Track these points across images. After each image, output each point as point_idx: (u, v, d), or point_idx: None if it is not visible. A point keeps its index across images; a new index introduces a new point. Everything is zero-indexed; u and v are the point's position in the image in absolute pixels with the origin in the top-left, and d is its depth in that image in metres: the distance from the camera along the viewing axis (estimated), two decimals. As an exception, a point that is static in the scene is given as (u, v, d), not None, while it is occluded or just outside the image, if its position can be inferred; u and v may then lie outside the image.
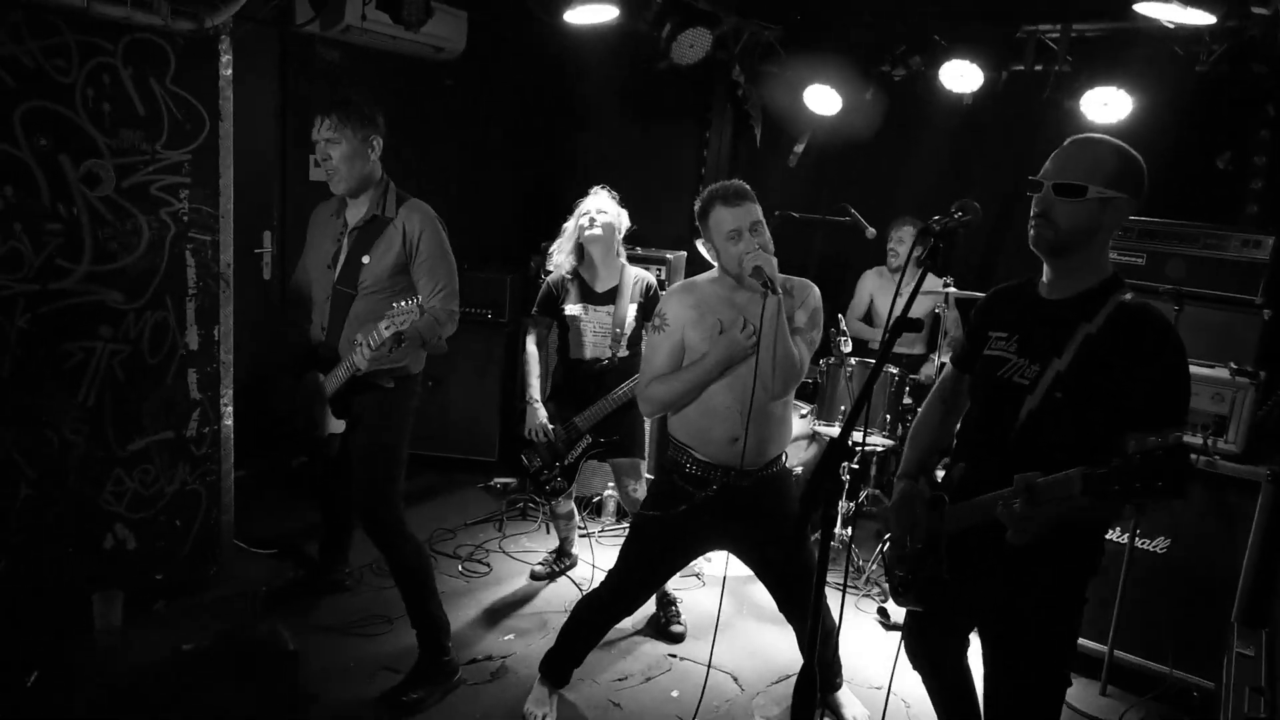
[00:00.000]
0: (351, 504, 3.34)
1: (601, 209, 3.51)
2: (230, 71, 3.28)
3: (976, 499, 2.00)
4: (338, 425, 3.03)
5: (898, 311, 1.89)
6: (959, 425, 2.30)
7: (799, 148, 5.13)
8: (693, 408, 2.67)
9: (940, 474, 2.28)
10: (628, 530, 2.94)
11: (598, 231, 3.48)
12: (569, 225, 3.56)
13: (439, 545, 4.19)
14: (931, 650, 2.37)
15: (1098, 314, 1.93)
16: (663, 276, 4.53)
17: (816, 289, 2.72)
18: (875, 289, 5.04)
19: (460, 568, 4.00)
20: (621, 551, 2.86)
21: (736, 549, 2.83)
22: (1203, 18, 3.40)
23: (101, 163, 3.00)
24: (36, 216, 2.87)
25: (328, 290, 2.98)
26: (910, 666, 2.40)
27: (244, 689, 2.69)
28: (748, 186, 2.61)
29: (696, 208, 2.64)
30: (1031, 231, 1.97)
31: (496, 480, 4.92)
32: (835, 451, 1.71)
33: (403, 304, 2.71)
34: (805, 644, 2.43)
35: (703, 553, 3.03)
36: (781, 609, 2.84)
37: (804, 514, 1.80)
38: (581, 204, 3.53)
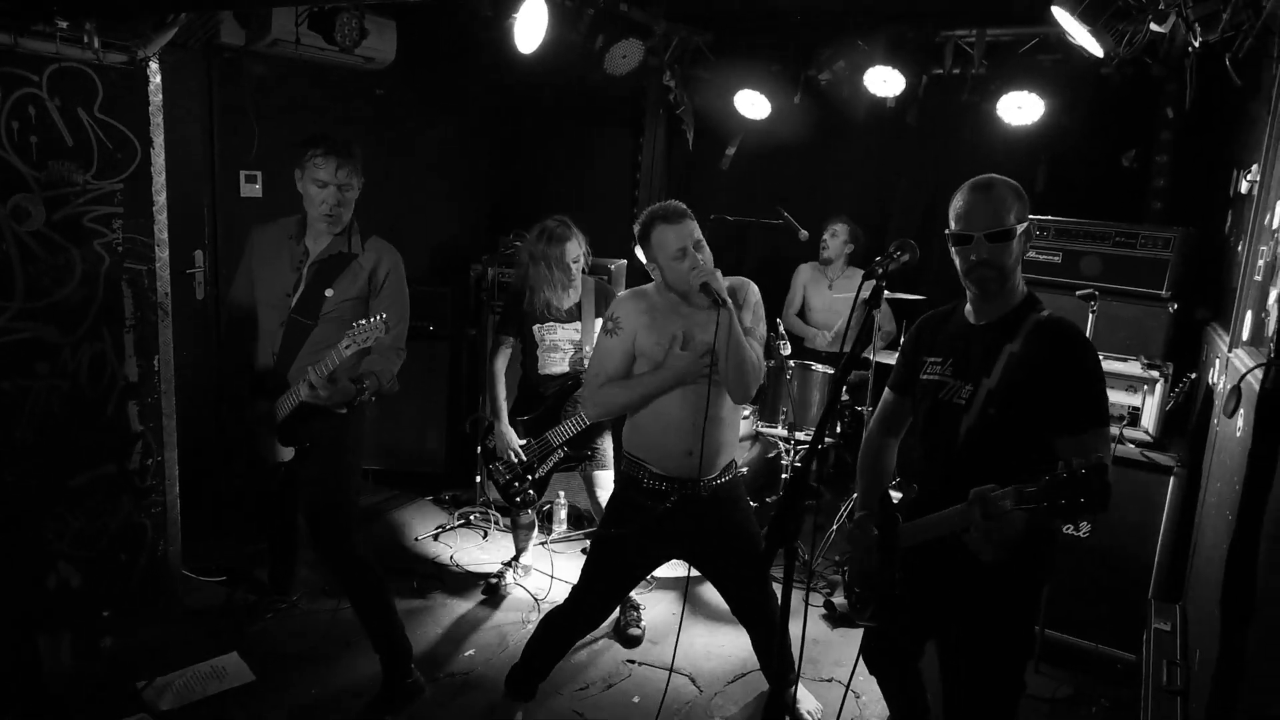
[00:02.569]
0: (293, 529, 3.44)
1: (577, 257, 3.56)
2: (160, 98, 3.23)
3: (931, 516, 2.08)
4: (286, 453, 3.01)
5: (848, 344, 2.07)
6: (903, 445, 2.43)
7: (731, 151, 5.24)
8: (647, 421, 2.70)
9: (895, 494, 2.41)
10: (589, 546, 2.98)
11: (577, 276, 3.58)
12: (534, 258, 3.52)
13: (390, 562, 4.17)
14: (890, 660, 2.49)
15: (1018, 333, 2.09)
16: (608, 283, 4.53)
17: (754, 285, 2.78)
18: (808, 282, 5.13)
19: (415, 584, 4.01)
20: (584, 567, 2.90)
21: (694, 558, 2.91)
22: (1097, 46, 3.59)
23: (30, 196, 2.94)
24: (-36, 257, 2.80)
25: (282, 318, 2.95)
26: (868, 671, 2.54)
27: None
28: (684, 206, 2.67)
29: (637, 229, 2.70)
30: (974, 277, 2.11)
31: (445, 493, 4.93)
32: (797, 490, 1.78)
33: (364, 322, 2.71)
34: (770, 672, 2.64)
35: (663, 562, 3.08)
36: (735, 613, 2.94)
37: (769, 550, 1.80)
38: (557, 239, 3.49)
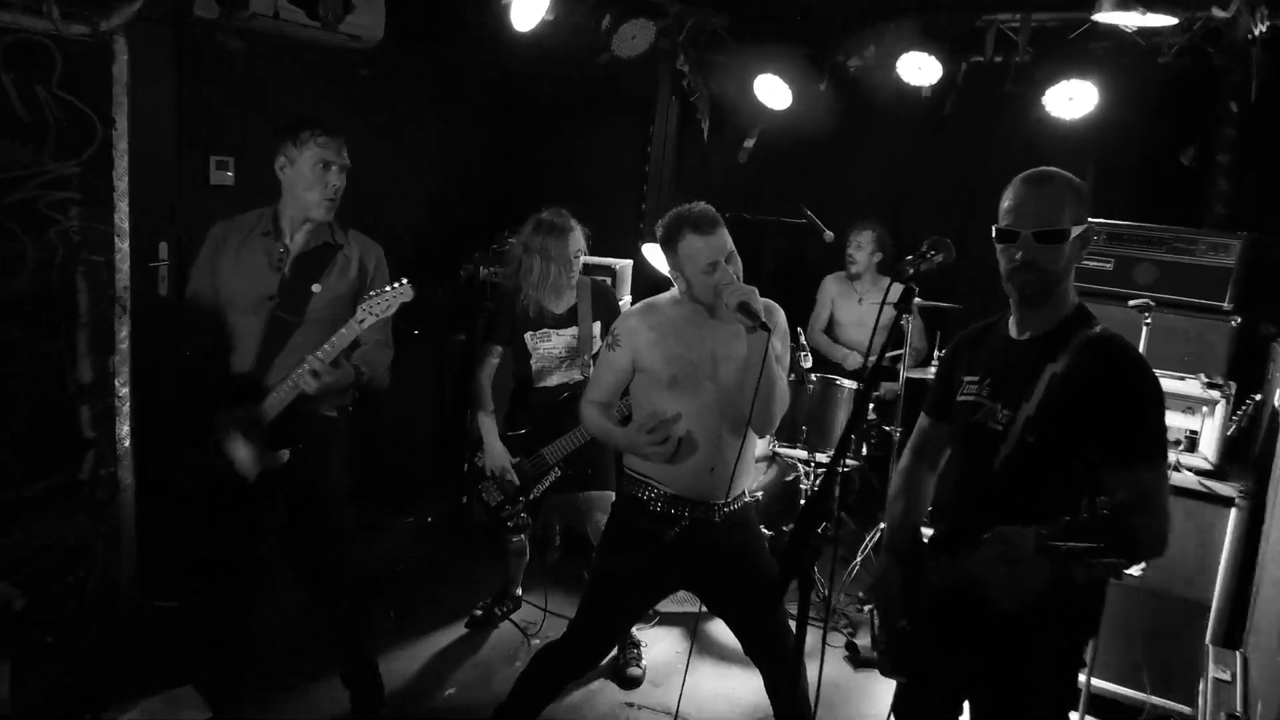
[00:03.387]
0: (257, 553, 3.34)
1: (579, 251, 3.52)
2: (125, 75, 3.18)
3: (966, 558, 2.03)
4: (273, 459, 2.96)
5: (873, 349, 2.05)
6: (942, 474, 2.38)
7: (749, 143, 5.20)
8: (682, 429, 2.67)
9: (926, 530, 2.36)
10: (588, 577, 2.98)
11: (579, 269, 3.53)
12: (530, 251, 3.48)
13: (366, 589, 3.98)
14: (918, 716, 2.41)
15: (1063, 352, 2.02)
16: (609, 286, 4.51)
17: (780, 310, 2.76)
18: (836, 296, 5.08)
19: (391, 614, 3.97)
20: (582, 599, 2.87)
21: (703, 590, 2.87)
22: (1163, 20, 3.56)
23: (-21, 178, 2.90)
24: (-96, 240, 2.76)
25: (264, 317, 2.93)
26: None
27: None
28: (715, 212, 2.64)
29: (661, 233, 2.67)
30: (1016, 282, 2.06)
31: (428, 514, 4.87)
32: (813, 514, 1.78)
33: (388, 289, 2.76)
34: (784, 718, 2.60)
35: (668, 595, 3.07)
36: (747, 652, 2.87)
37: (784, 578, 1.80)
38: (555, 232, 3.47)
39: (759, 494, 4.43)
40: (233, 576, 3.46)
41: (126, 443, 3.40)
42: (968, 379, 2.19)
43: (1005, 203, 2.07)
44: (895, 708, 2.42)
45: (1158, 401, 1.99)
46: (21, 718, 2.97)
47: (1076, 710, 3.39)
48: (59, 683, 3.21)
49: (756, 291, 2.54)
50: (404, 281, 2.80)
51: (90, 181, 3.17)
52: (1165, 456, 2.00)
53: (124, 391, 3.38)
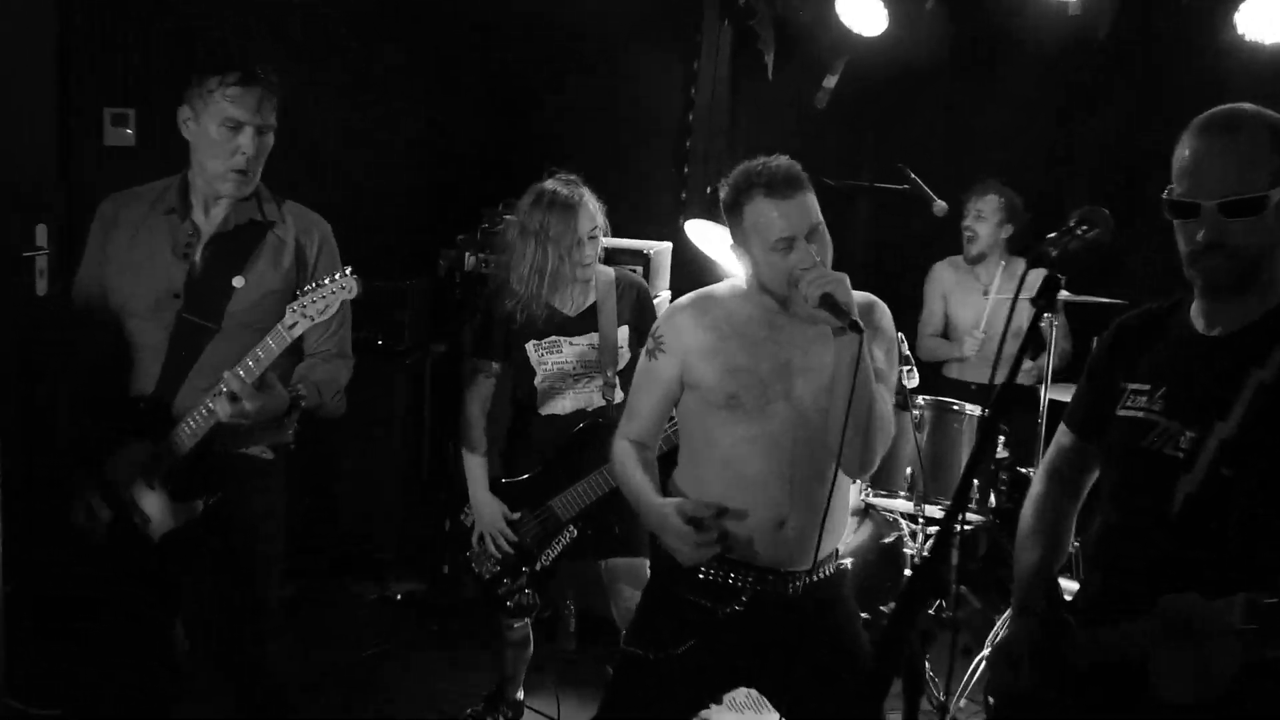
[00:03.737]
0: (168, 641, 3.01)
1: (594, 231, 3.25)
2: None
3: (1124, 627, 1.88)
4: (183, 513, 2.70)
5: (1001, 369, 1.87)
6: (1083, 511, 2.23)
7: (830, 81, 4.75)
8: (712, 475, 2.44)
9: (1070, 584, 2.20)
10: (613, 670, 2.78)
11: (593, 256, 3.25)
12: (530, 231, 3.23)
13: (315, 688, 3.69)
14: None
15: (1272, 355, 1.85)
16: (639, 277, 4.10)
17: (884, 306, 2.49)
18: (951, 288, 4.59)
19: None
20: (604, 701, 2.66)
21: (775, 691, 2.60)
22: None
23: None
24: None
25: (167, 322, 2.68)
26: None
27: None
28: (795, 165, 2.33)
29: (724, 196, 2.39)
30: (1199, 266, 1.89)
31: (395, 588, 4.42)
32: (922, 584, 1.79)
33: (325, 282, 2.53)
34: None
35: (721, 694, 2.83)
36: None
37: (883, 676, 1.60)
38: (561, 201, 3.23)
39: (848, 561, 3.78)
40: (135, 671, 3.10)
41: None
42: (1134, 387, 2.00)
43: (1180, 162, 1.90)
44: None
45: None
46: None
47: None
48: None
49: (847, 280, 2.25)
50: (347, 272, 2.55)
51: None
52: None
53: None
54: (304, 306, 2.49)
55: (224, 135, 2.55)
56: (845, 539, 3.94)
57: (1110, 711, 1.94)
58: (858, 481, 3.90)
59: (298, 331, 2.50)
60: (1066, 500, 2.17)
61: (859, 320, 2.19)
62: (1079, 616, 1.98)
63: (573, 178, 3.24)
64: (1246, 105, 1.88)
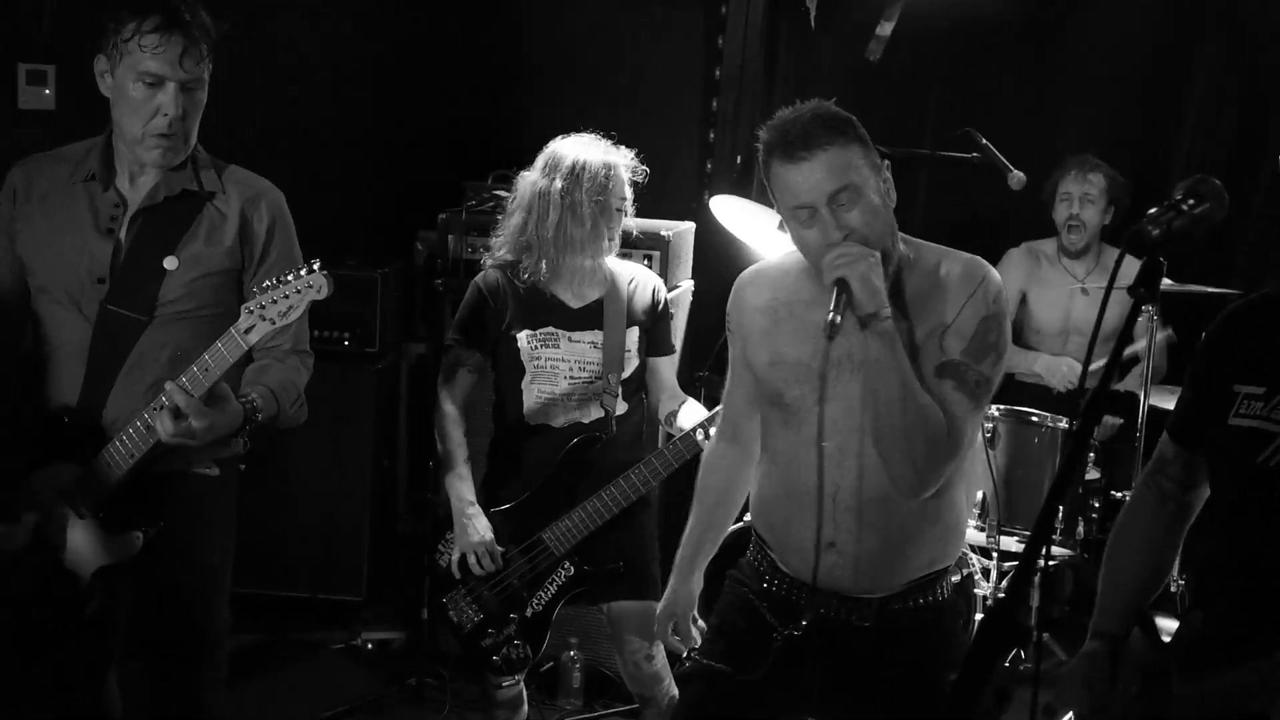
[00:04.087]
0: (102, 690, 2.83)
1: (626, 199, 3.10)
2: None
3: (1229, 675, 1.75)
4: (117, 548, 2.55)
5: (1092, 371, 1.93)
6: (1189, 537, 2.13)
7: (885, 31, 4.32)
8: (767, 479, 2.39)
9: (1168, 623, 2.16)
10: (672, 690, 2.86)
11: (618, 234, 3.09)
12: (547, 197, 3.04)
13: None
14: None
15: None
16: (653, 269, 3.80)
17: (992, 273, 2.22)
18: (1029, 281, 4.19)
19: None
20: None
21: None
22: None
23: None
24: None
25: (89, 315, 2.55)
26: None
27: None
28: (834, 114, 2.14)
29: (760, 153, 2.23)
30: None
31: (365, 637, 4.06)
32: (997, 631, 1.52)
33: (289, 278, 2.39)
34: None
35: None
36: None
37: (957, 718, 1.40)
38: (587, 169, 3.03)
39: (968, 580, 3.68)
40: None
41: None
42: (1246, 390, 1.83)
43: None
44: None
45: None
46: None
47: None
48: None
49: (876, 261, 2.06)
50: (315, 267, 2.38)
51: None
52: None
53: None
54: (262, 307, 2.33)
55: (142, 92, 2.38)
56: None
57: None
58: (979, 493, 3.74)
59: (254, 337, 2.34)
60: (1169, 520, 2.06)
61: (878, 312, 2.05)
62: (1179, 663, 1.90)
63: (603, 141, 3.05)
64: None
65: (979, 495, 3.55)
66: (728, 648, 2.34)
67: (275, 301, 2.32)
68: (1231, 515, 1.91)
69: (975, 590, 3.64)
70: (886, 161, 2.41)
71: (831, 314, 2.00)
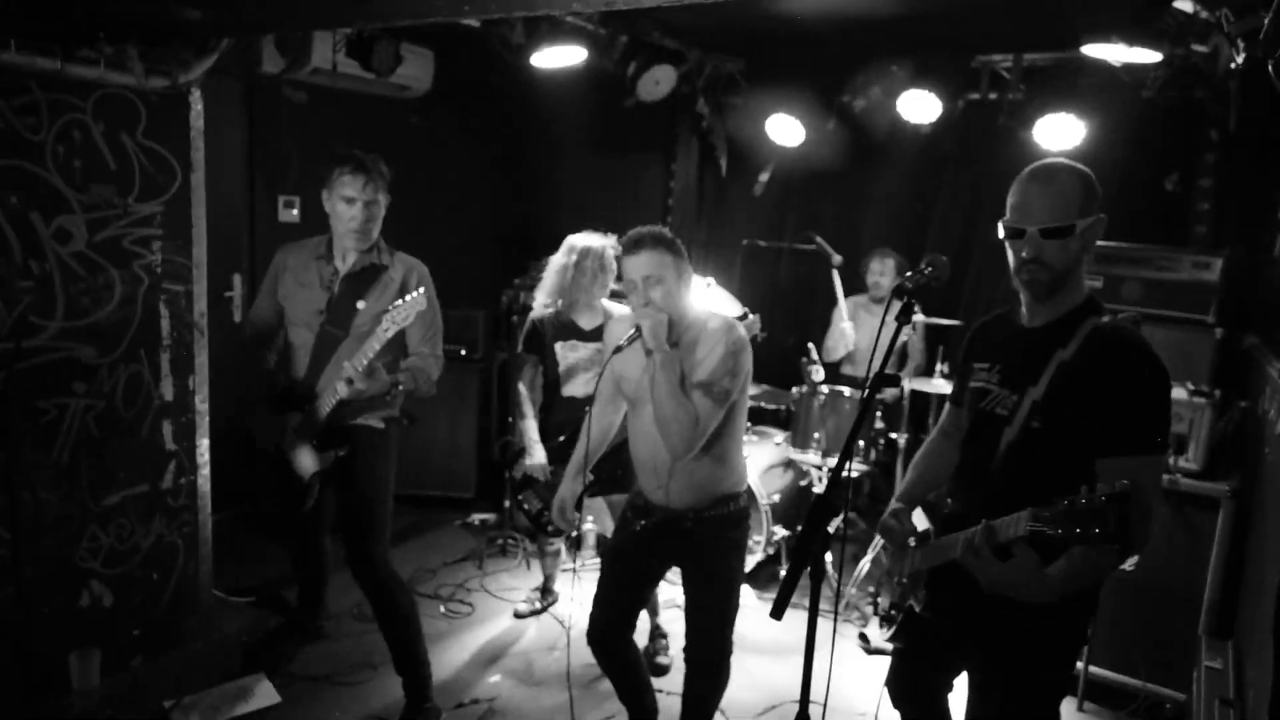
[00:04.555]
0: (320, 549, 3.40)
1: (613, 267, 3.42)
2: (201, 123, 3.28)
3: (943, 539, 2.00)
4: (321, 461, 2.98)
5: (876, 363, 1.96)
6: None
7: (764, 177, 5.21)
8: (632, 441, 2.69)
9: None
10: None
11: (603, 289, 3.48)
12: (569, 267, 3.46)
13: (420, 586, 4.14)
14: (914, 690, 2.34)
15: (1072, 339, 1.92)
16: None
17: (737, 331, 2.51)
18: (856, 318, 4.89)
19: (443, 608, 3.96)
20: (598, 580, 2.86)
21: (683, 577, 2.82)
22: (1148, 56, 3.54)
23: (73, 218, 2.98)
24: (8, 274, 2.85)
25: (314, 331, 2.99)
26: (892, 704, 2.40)
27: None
28: (656, 232, 2.47)
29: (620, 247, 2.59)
30: (1024, 277, 1.94)
31: (475, 517, 4.89)
32: (823, 508, 1.71)
33: (403, 300, 2.74)
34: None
35: (658, 574, 2.99)
36: (685, 650, 2.78)
37: (794, 571, 1.67)
38: (593, 253, 3.43)
39: (776, 497, 4.36)
40: (299, 574, 3.52)
41: (205, 454, 3.47)
42: (978, 365, 2.10)
43: (1012, 199, 1.95)
44: (888, 678, 2.35)
45: (1163, 393, 1.86)
46: (108, 702, 3.00)
47: (1073, 695, 3.37)
48: (143, 671, 3.26)
49: (661, 320, 2.39)
50: (419, 292, 2.79)
51: (171, 219, 3.26)
52: (1162, 453, 1.86)
53: (202, 408, 3.45)
54: (393, 315, 2.74)
55: (344, 208, 2.87)
56: (775, 483, 4.37)
57: (962, 596, 1.99)
58: (783, 442, 4.45)
59: (390, 333, 2.74)
60: (946, 450, 2.27)
61: (653, 348, 2.35)
62: (939, 528, 2.12)
63: (606, 235, 3.47)
64: (1061, 159, 1.97)
65: (816, 435, 4.32)
66: (624, 531, 2.78)
67: (399, 309, 2.75)
68: (967, 442, 2.13)
69: (814, 489, 4.41)
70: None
71: (623, 341, 2.40)
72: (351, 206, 2.88)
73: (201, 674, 3.24)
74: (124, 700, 3.03)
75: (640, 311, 2.40)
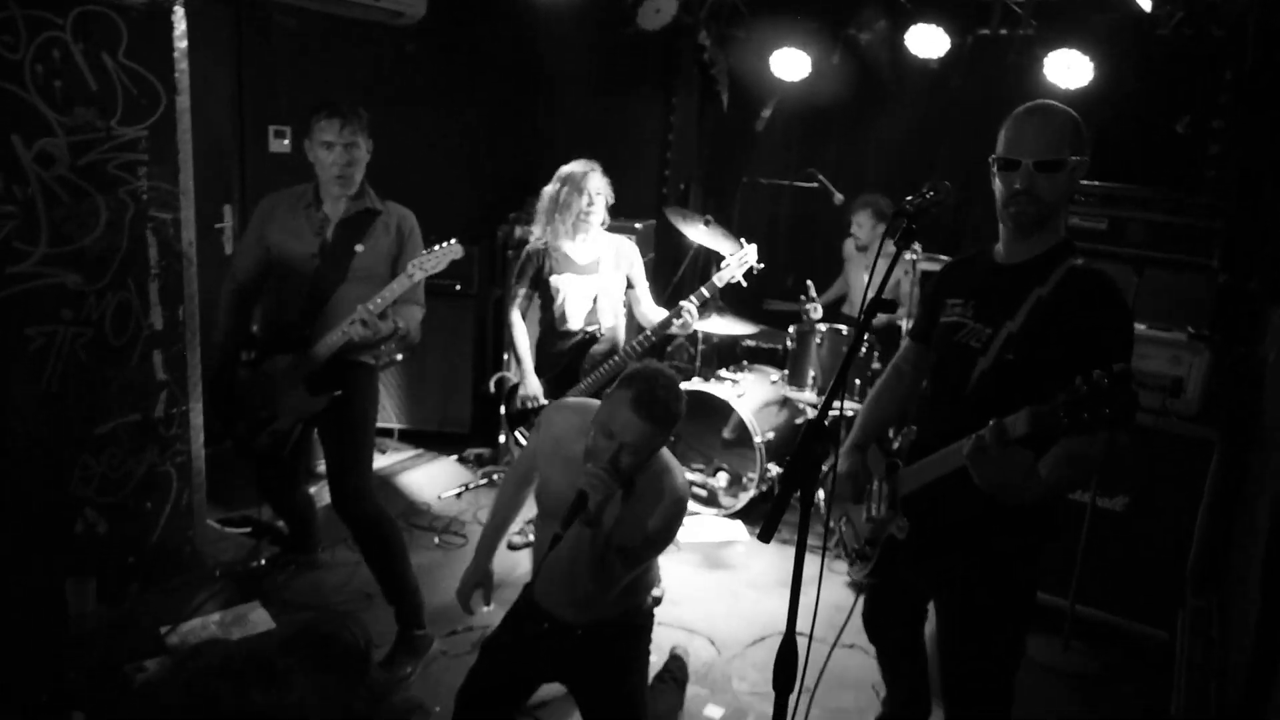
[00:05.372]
0: (301, 491, 3.51)
1: (599, 190, 3.42)
2: (185, 44, 3.18)
3: (941, 451, 2.00)
4: (315, 403, 2.99)
5: (872, 291, 1.93)
6: (922, 393, 2.34)
7: (766, 113, 5.13)
8: (536, 548, 2.41)
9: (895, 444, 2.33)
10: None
11: (597, 214, 3.42)
12: (555, 196, 3.43)
13: (414, 519, 4.16)
14: (886, 621, 2.42)
15: (1050, 277, 1.97)
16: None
17: (682, 503, 2.19)
18: (849, 259, 4.92)
19: (437, 540, 3.99)
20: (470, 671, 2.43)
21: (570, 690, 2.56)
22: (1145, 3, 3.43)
23: (55, 141, 2.90)
24: (-11, 199, 2.79)
25: (307, 276, 2.99)
26: (868, 637, 2.47)
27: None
28: (672, 406, 2.11)
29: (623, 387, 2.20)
30: (1012, 209, 1.98)
31: (470, 451, 4.90)
32: (812, 434, 1.68)
33: (438, 248, 2.81)
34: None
35: (532, 688, 2.55)
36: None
37: (782, 497, 1.66)
38: (575, 178, 3.39)
39: (770, 435, 4.36)
40: (285, 518, 3.59)
41: (198, 384, 3.45)
42: (952, 301, 2.14)
43: (1007, 133, 1.99)
44: (864, 607, 2.42)
45: (1130, 332, 1.96)
46: (104, 628, 3.02)
47: (1059, 634, 3.40)
48: (139, 599, 3.28)
49: (615, 494, 2.08)
50: (453, 241, 2.85)
51: (156, 145, 3.19)
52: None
53: (192, 338, 3.43)
54: (423, 262, 2.82)
55: (324, 154, 2.89)
56: (770, 420, 4.39)
57: (926, 527, 2.10)
58: (779, 380, 4.44)
59: (417, 279, 2.82)
60: (902, 386, 2.35)
61: (594, 524, 2.03)
62: (903, 458, 2.17)
63: (591, 161, 3.44)
64: (1057, 102, 1.99)
65: (811, 374, 4.29)
66: (509, 628, 2.41)
67: (430, 258, 2.84)
68: (936, 371, 2.21)
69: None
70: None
71: (561, 529, 2.04)
72: (331, 151, 2.89)
73: (198, 602, 3.27)
74: (121, 626, 3.05)
75: (595, 479, 2.04)
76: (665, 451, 2.23)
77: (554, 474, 2.26)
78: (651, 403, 2.06)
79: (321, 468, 3.45)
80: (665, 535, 2.19)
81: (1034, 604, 2.15)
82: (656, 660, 2.98)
